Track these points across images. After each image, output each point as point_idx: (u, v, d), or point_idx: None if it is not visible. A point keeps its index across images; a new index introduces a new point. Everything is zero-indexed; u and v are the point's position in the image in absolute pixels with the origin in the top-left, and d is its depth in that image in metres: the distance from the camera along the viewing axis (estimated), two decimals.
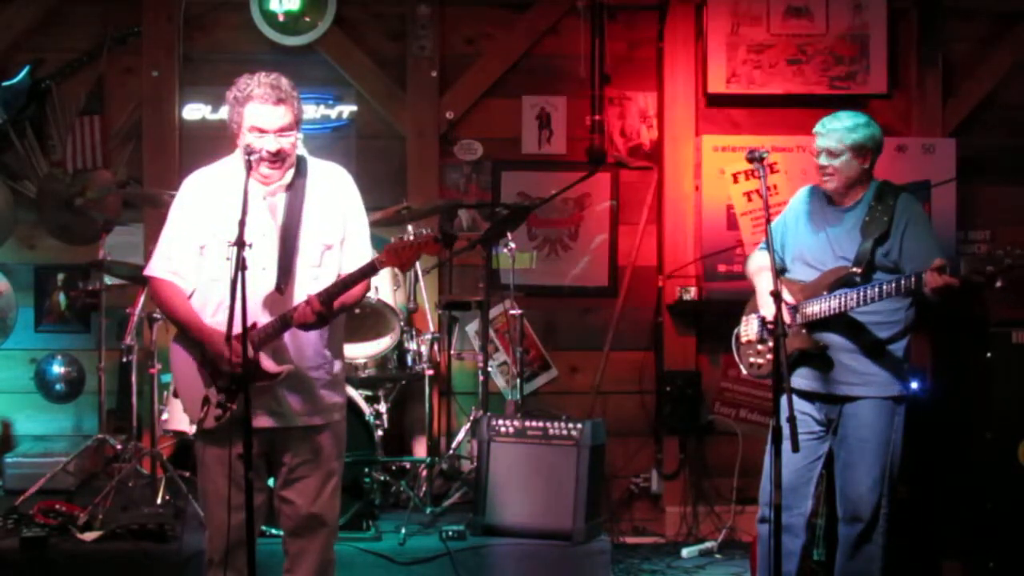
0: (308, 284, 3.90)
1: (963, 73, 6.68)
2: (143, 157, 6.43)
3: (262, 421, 3.87)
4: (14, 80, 6.35)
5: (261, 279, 3.87)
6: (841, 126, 4.40)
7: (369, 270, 3.87)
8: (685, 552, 6.11)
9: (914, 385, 5.76)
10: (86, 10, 6.44)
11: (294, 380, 3.90)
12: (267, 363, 3.85)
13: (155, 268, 3.99)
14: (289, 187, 3.95)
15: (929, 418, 5.56)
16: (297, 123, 3.89)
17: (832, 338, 4.39)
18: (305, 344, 3.93)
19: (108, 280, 5.76)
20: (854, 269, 4.33)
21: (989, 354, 5.51)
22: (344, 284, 3.87)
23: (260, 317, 3.86)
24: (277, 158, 3.86)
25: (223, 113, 6.37)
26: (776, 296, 3.99)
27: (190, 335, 3.91)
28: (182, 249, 3.94)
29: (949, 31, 6.67)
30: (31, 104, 6.37)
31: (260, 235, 3.85)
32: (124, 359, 5.68)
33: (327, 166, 4.08)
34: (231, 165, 3.95)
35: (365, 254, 4.02)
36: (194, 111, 6.45)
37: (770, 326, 4.21)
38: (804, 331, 4.40)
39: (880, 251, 4.34)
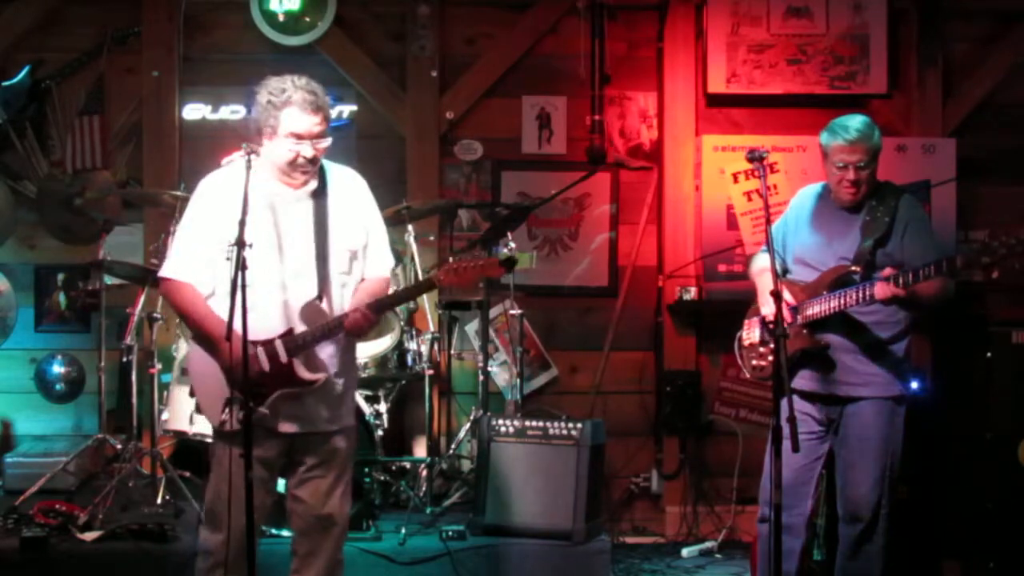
0: (339, 291, 3.95)
1: (963, 73, 6.68)
2: (143, 157, 6.44)
3: (287, 427, 3.91)
4: (14, 80, 6.35)
5: (297, 286, 3.89)
6: (864, 135, 4.33)
7: (427, 286, 3.98)
8: (685, 552, 6.11)
9: (914, 385, 5.76)
10: (86, 10, 6.45)
11: (319, 386, 3.93)
12: (301, 370, 3.87)
13: (174, 270, 3.94)
14: (315, 193, 3.96)
15: (929, 418, 5.56)
16: (328, 129, 3.93)
17: (833, 338, 4.38)
18: (332, 352, 3.96)
19: (108, 280, 5.75)
20: (853, 268, 4.32)
21: (989, 354, 5.51)
22: (399, 297, 3.99)
23: (297, 324, 3.87)
24: (312, 163, 3.89)
25: (223, 113, 6.47)
26: (776, 296, 3.98)
27: (210, 339, 3.87)
28: (202, 253, 3.91)
29: (949, 31, 6.67)
30: (31, 104, 6.37)
31: (290, 241, 3.89)
32: (124, 359, 5.68)
33: (344, 171, 4.11)
34: (254, 165, 3.93)
35: (388, 260, 4.10)
36: (194, 111, 6.45)
37: (771, 326, 4.22)
38: (805, 331, 4.40)
39: (881, 252, 4.33)
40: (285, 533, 4.15)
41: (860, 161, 4.33)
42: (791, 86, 6.54)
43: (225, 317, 3.70)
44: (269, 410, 3.84)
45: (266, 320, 3.84)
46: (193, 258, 3.93)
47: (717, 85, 6.53)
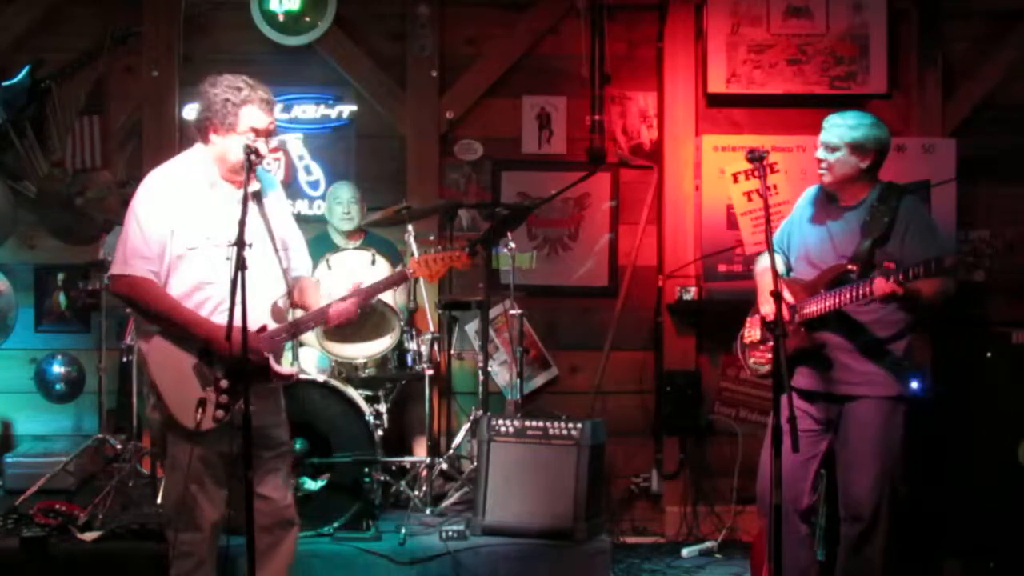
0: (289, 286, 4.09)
1: (963, 73, 6.68)
2: (143, 157, 6.43)
3: (256, 420, 3.91)
4: (14, 80, 6.35)
5: (262, 283, 3.92)
6: (843, 123, 4.41)
7: (400, 279, 4.15)
8: (685, 552, 6.11)
9: (914, 385, 5.76)
10: (86, 10, 6.45)
11: (285, 380, 4.05)
12: (276, 366, 3.94)
13: (135, 267, 3.88)
14: (256, 193, 4.01)
15: (929, 418, 5.56)
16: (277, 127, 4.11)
17: (832, 337, 4.39)
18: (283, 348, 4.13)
19: (108, 280, 5.75)
20: (850, 267, 4.33)
21: (989, 354, 5.51)
22: (376, 290, 4.09)
23: (269, 320, 3.94)
24: (263, 159, 3.97)
25: None
26: (776, 296, 3.99)
27: (192, 333, 3.87)
28: (159, 250, 3.89)
29: (949, 31, 6.66)
30: (31, 104, 6.37)
31: (250, 240, 3.90)
32: (124, 359, 5.69)
33: (264, 173, 4.18)
34: (194, 163, 3.96)
35: (309, 260, 4.27)
36: (194, 111, 6.39)
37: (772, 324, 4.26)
38: (803, 329, 4.41)
39: (880, 252, 4.34)
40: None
41: (825, 142, 4.41)
42: (791, 86, 6.53)
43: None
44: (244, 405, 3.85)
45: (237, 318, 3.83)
46: (151, 255, 3.89)
47: (717, 85, 6.53)
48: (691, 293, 6.46)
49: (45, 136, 6.44)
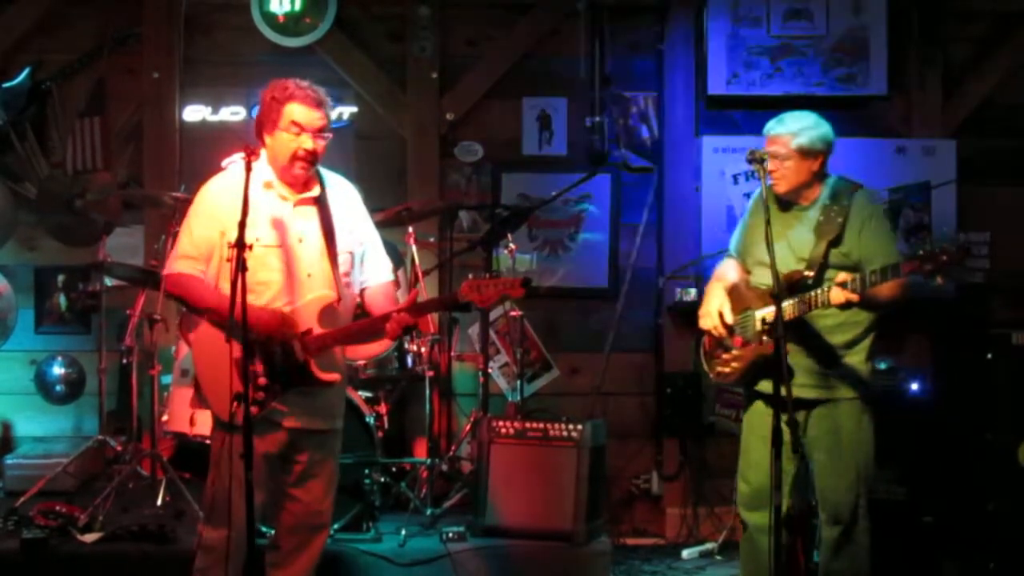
0: (346, 294, 4.09)
1: (963, 73, 6.68)
2: (143, 158, 6.45)
3: (291, 421, 3.97)
4: (15, 81, 6.36)
5: (311, 287, 3.96)
6: (785, 130, 4.35)
7: (450, 301, 4.11)
8: (685, 553, 6.11)
9: (915, 385, 5.76)
10: (86, 11, 6.46)
11: (326, 385, 4.04)
12: (317, 370, 3.94)
13: (183, 265, 3.96)
14: (317, 198, 4.04)
15: (929, 418, 5.55)
16: (329, 127, 4.03)
17: (795, 343, 4.32)
18: (339, 352, 4.08)
19: (108, 281, 5.76)
20: (806, 273, 4.28)
21: (989, 355, 5.51)
22: (427, 307, 4.08)
23: (313, 325, 3.94)
24: (312, 157, 3.97)
25: (223, 115, 6.48)
26: (776, 297, 3.98)
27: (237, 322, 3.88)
28: (206, 251, 3.95)
29: (949, 31, 6.66)
30: (32, 105, 6.38)
31: (301, 244, 3.96)
32: (124, 360, 5.70)
33: (339, 179, 4.22)
34: (255, 168, 3.95)
35: (389, 264, 4.24)
36: (194, 112, 6.46)
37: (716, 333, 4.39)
38: (765, 337, 4.33)
39: (836, 252, 4.30)
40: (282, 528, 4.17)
41: (773, 153, 4.33)
42: (791, 87, 6.53)
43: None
44: (280, 402, 3.91)
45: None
46: (199, 255, 3.96)
47: (717, 86, 6.53)
48: (691, 294, 6.45)
49: (45, 138, 6.45)
